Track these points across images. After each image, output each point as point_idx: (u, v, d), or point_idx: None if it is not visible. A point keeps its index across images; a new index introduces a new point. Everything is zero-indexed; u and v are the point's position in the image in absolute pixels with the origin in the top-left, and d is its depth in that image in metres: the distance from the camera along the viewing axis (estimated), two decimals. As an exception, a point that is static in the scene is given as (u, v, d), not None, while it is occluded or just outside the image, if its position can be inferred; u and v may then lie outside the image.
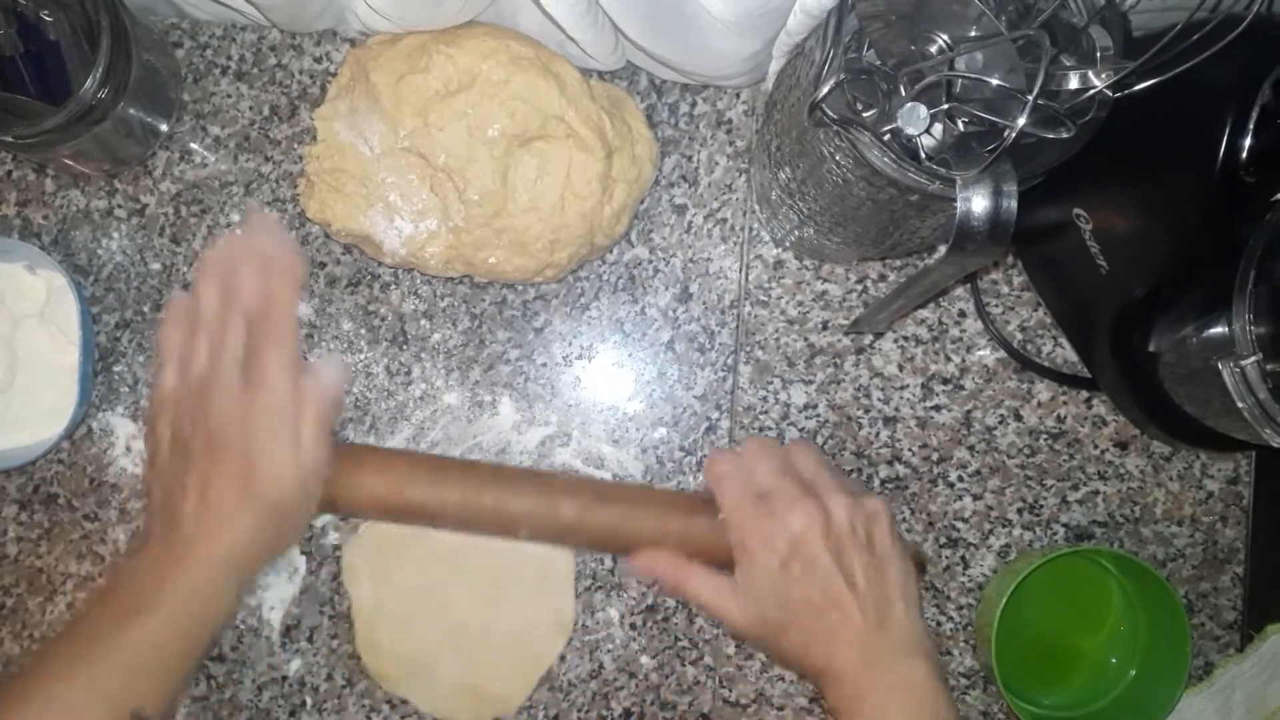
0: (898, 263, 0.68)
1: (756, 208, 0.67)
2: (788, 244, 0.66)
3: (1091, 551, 0.65)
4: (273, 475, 0.51)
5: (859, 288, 0.67)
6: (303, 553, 0.66)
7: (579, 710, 0.66)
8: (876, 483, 0.67)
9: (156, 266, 0.67)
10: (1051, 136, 0.43)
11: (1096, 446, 0.67)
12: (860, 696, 0.53)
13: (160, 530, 0.52)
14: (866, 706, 0.53)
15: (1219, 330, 0.49)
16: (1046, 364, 0.67)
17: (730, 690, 0.67)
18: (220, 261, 0.55)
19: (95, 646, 0.49)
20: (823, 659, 0.54)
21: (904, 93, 0.44)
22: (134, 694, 0.48)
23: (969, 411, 0.67)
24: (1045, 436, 0.67)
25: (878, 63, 0.46)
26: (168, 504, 0.52)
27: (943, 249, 0.51)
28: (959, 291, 0.67)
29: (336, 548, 0.66)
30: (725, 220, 0.67)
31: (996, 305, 0.67)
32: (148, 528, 0.54)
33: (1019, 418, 0.67)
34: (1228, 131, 0.45)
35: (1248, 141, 0.45)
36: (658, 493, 0.60)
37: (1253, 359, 0.47)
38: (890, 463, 0.67)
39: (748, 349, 0.67)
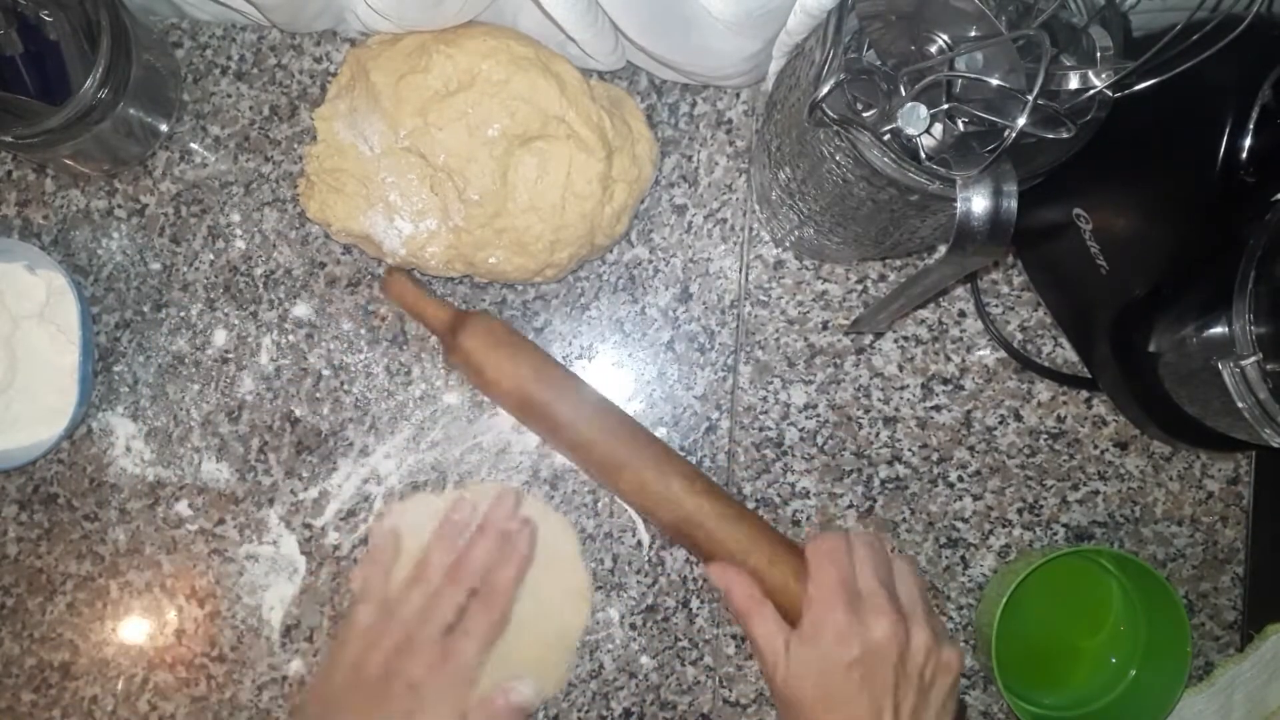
0: (898, 263, 0.68)
1: (756, 208, 0.67)
2: (788, 244, 0.66)
3: (1092, 551, 0.66)
4: None
5: (859, 288, 0.67)
6: (302, 553, 0.66)
7: (579, 710, 0.66)
8: (876, 483, 0.67)
9: (156, 266, 0.67)
10: (1051, 136, 0.43)
11: (1096, 446, 0.67)
12: None
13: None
14: None
15: (1219, 330, 0.49)
16: (1046, 364, 0.67)
17: (730, 690, 0.67)
18: (460, 527, 0.63)
19: None
20: None
21: (904, 93, 0.44)
22: None
23: (969, 411, 0.67)
24: (1045, 436, 0.67)
25: (878, 63, 0.46)
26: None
27: (943, 249, 0.51)
28: (959, 291, 0.67)
29: (336, 547, 0.66)
30: (725, 220, 0.67)
31: (996, 305, 0.67)
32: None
33: (1019, 418, 0.67)
34: (1228, 131, 0.45)
35: (1248, 141, 0.45)
36: (755, 516, 0.61)
37: (1253, 359, 0.47)
38: (890, 463, 0.67)
39: (748, 349, 0.67)
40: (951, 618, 0.67)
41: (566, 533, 0.66)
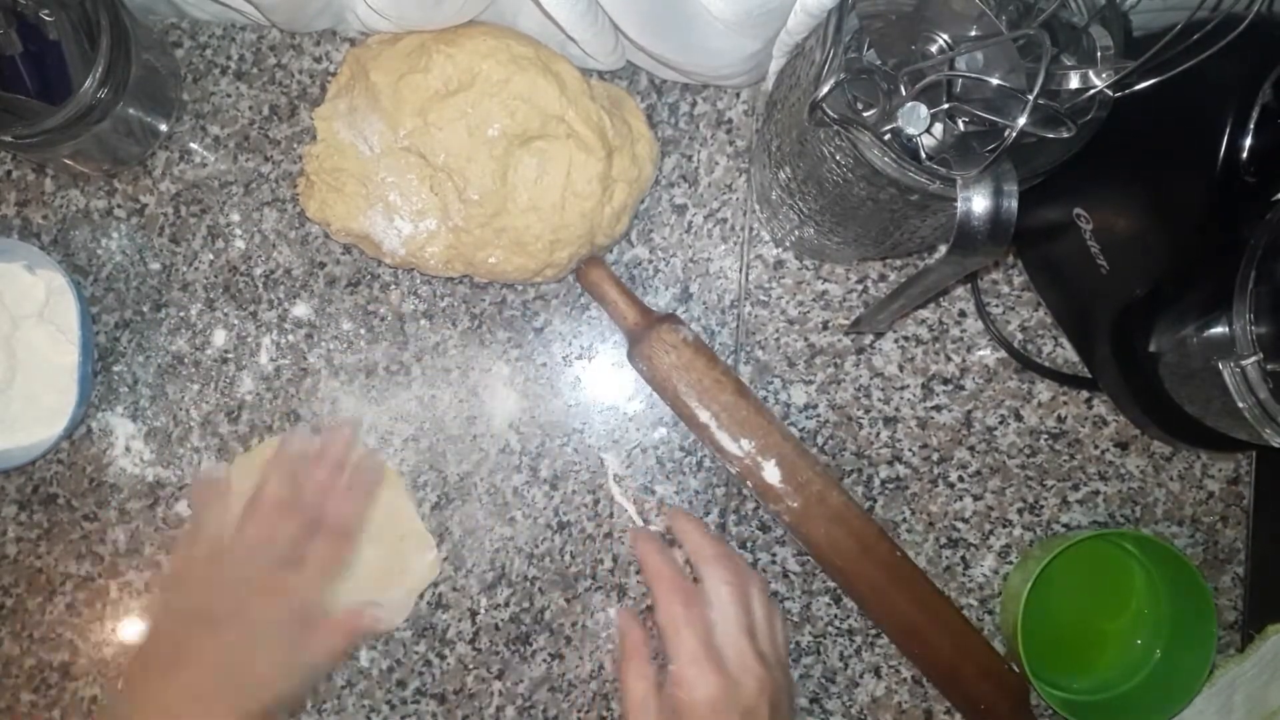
0: (898, 263, 0.67)
1: (756, 208, 0.67)
2: (788, 244, 0.66)
3: (1114, 535, 0.66)
4: (256, 680, 0.55)
5: (859, 288, 0.67)
6: (302, 553, 0.66)
7: (579, 710, 0.66)
8: (877, 483, 0.67)
9: (156, 266, 0.67)
10: (1052, 136, 0.43)
11: (1097, 446, 0.67)
12: None
13: (140, 673, 0.56)
14: None
15: (1219, 330, 0.49)
16: (1046, 364, 0.67)
17: (730, 690, 0.66)
18: (295, 458, 0.61)
19: None
20: None
21: (904, 92, 0.44)
22: None
23: (969, 411, 0.67)
24: (1045, 436, 0.67)
25: (878, 62, 0.46)
26: (151, 662, 0.56)
27: (943, 249, 0.51)
28: (959, 291, 0.67)
29: (336, 548, 0.66)
30: (725, 220, 0.67)
31: (996, 305, 0.67)
32: (138, 662, 0.58)
33: (1019, 418, 0.67)
34: (1228, 131, 0.45)
35: (1248, 141, 0.45)
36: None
37: (1253, 359, 0.47)
38: (890, 463, 0.67)
39: (748, 349, 0.67)
40: (952, 618, 0.67)
41: (393, 481, 0.66)
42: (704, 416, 0.62)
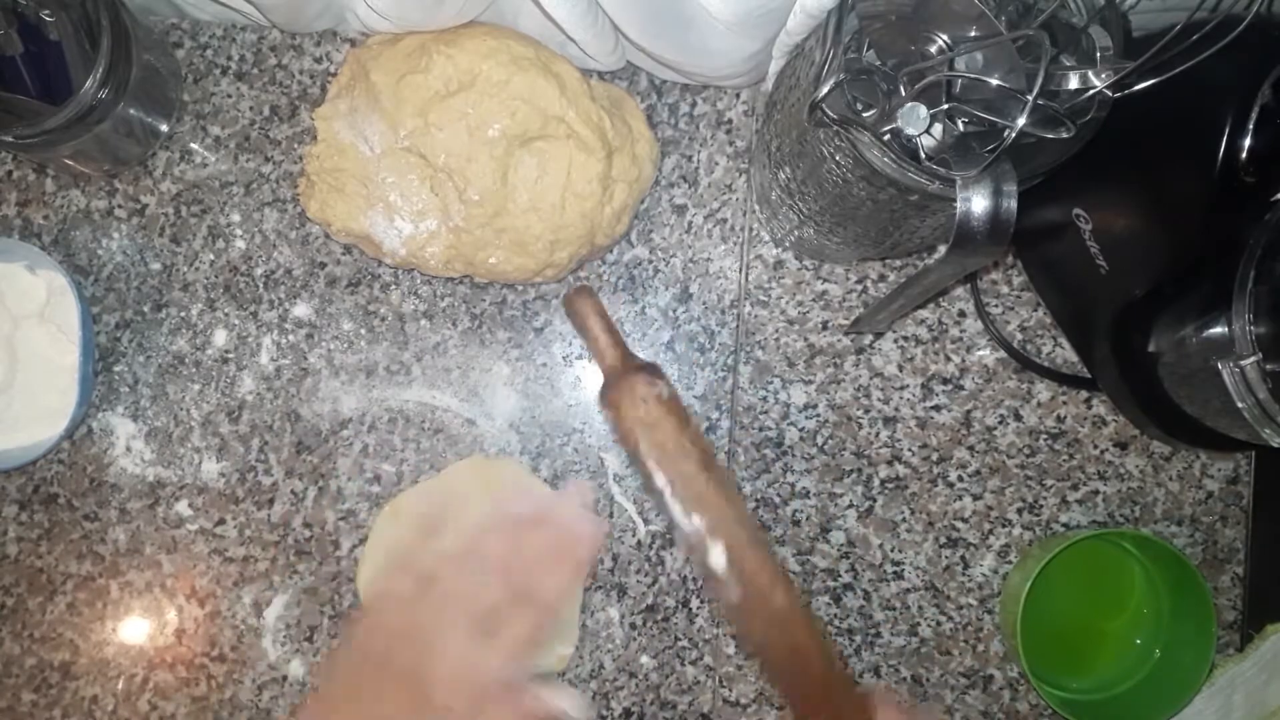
0: (898, 263, 0.68)
1: (756, 208, 0.67)
2: (788, 244, 0.66)
3: (1114, 535, 0.66)
4: None
5: (859, 288, 0.67)
6: (302, 552, 0.66)
7: (579, 710, 0.66)
8: (876, 483, 0.67)
9: (157, 266, 0.67)
10: (1051, 136, 0.43)
11: (1096, 446, 0.67)
12: None
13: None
14: None
15: (1219, 330, 0.49)
16: (1046, 364, 0.67)
17: (730, 690, 0.67)
18: (524, 527, 0.52)
19: None
20: None
21: (904, 93, 0.44)
22: None
23: (969, 411, 0.67)
24: (1045, 436, 0.67)
25: (878, 63, 0.46)
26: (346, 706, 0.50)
27: (943, 249, 0.51)
28: (959, 291, 0.67)
29: (336, 546, 0.66)
30: (725, 220, 0.67)
31: (996, 305, 0.67)
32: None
33: (1019, 418, 0.67)
34: (1228, 131, 0.45)
35: (1248, 141, 0.45)
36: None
37: (1253, 359, 0.47)
38: (890, 463, 0.67)
39: (748, 349, 0.67)
40: (951, 618, 0.67)
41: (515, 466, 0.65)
42: (659, 481, 0.56)
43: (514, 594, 0.51)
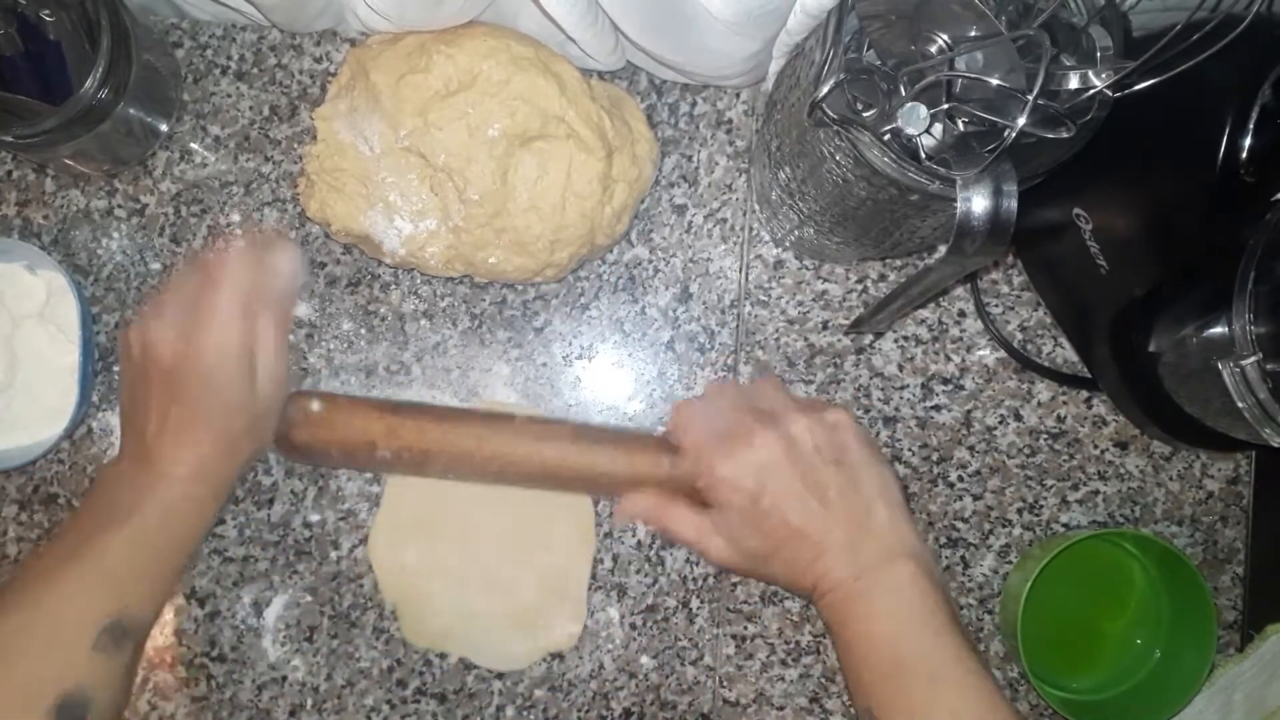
0: (898, 263, 0.68)
1: (756, 208, 0.67)
2: (788, 244, 0.66)
3: (1114, 534, 0.66)
4: (227, 401, 0.56)
5: (859, 288, 0.67)
6: (302, 552, 0.66)
7: (579, 710, 0.66)
8: (876, 483, 0.67)
9: (157, 266, 0.67)
10: (1051, 136, 0.43)
11: (1096, 446, 0.67)
12: (846, 608, 0.53)
13: (131, 449, 0.57)
14: (851, 619, 0.53)
15: (1219, 330, 0.49)
16: (1046, 364, 0.67)
17: (730, 690, 0.67)
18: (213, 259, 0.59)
19: (79, 551, 0.53)
20: (809, 579, 0.54)
21: (904, 93, 0.44)
22: (116, 595, 0.53)
23: (969, 411, 0.67)
24: (1045, 436, 0.67)
25: (878, 63, 0.46)
26: (134, 425, 0.57)
27: (943, 249, 0.51)
28: (959, 291, 0.67)
29: (336, 545, 0.66)
30: (725, 220, 0.67)
31: (996, 305, 0.67)
32: (124, 442, 0.59)
33: (1019, 418, 0.67)
34: (1228, 131, 0.45)
35: (1248, 141, 0.45)
36: (632, 435, 0.61)
37: (1253, 359, 0.47)
38: (890, 462, 0.67)
39: (748, 349, 0.67)
40: (951, 618, 0.67)
41: (586, 539, 0.66)
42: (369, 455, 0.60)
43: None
